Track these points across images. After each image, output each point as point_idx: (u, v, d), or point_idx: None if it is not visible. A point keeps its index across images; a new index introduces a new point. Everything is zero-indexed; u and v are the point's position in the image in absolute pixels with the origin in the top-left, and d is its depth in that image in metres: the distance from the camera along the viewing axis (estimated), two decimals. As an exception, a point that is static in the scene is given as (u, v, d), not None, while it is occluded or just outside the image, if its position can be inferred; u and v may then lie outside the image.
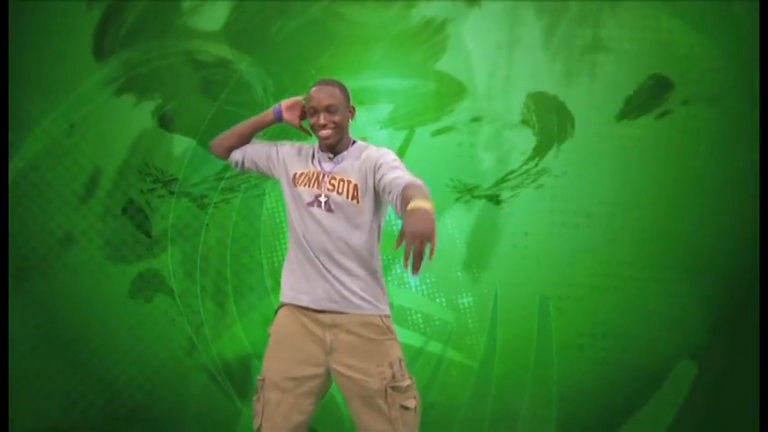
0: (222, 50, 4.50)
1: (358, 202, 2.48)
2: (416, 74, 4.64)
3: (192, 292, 4.52)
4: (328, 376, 2.51)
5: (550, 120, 4.61)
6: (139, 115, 4.58)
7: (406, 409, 2.45)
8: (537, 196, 4.63)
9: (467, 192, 4.60)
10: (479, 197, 4.64)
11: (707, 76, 4.48)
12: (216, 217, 4.63)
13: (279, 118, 2.67)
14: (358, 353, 2.46)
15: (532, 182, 4.61)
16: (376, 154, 2.50)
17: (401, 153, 4.50)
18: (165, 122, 4.55)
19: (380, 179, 2.38)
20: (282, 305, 2.58)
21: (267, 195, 4.61)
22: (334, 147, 2.56)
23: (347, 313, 2.47)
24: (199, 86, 4.54)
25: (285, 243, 3.53)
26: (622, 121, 4.57)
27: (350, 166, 2.52)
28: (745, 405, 4.17)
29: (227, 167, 4.42)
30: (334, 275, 2.48)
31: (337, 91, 2.56)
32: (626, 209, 4.58)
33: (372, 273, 2.50)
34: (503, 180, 4.62)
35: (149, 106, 4.61)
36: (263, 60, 4.56)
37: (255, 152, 2.69)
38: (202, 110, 4.52)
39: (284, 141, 2.73)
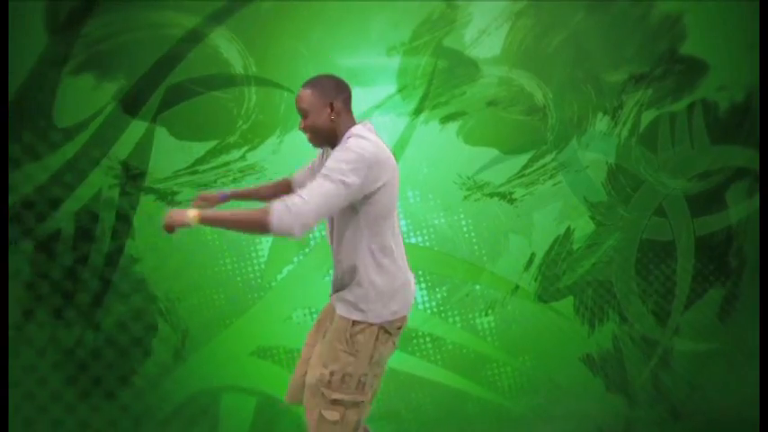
0: (196, 23, 4.05)
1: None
2: (422, 51, 4.26)
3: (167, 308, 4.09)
4: None
5: (569, 108, 4.44)
6: (99, 98, 4.01)
7: (323, 419, 2.44)
8: (554, 194, 4.45)
9: (476, 189, 4.35)
10: (491, 195, 4.38)
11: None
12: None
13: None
14: (324, 341, 2.51)
15: (549, 178, 4.44)
16: (335, 150, 2.42)
17: (404, 142, 4.26)
18: (129, 107, 4.03)
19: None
20: None
21: None
22: (323, 146, 2.58)
23: (335, 304, 2.53)
24: (169, 65, 4.04)
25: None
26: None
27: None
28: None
29: (201, 159, 4.09)
30: (335, 268, 2.54)
31: (308, 92, 2.48)
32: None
33: (354, 270, 2.45)
34: (515, 176, 4.41)
35: (111, 88, 4.05)
36: (244, 35, 4.13)
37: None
38: (172, 93, 4.05)
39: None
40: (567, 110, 4.44)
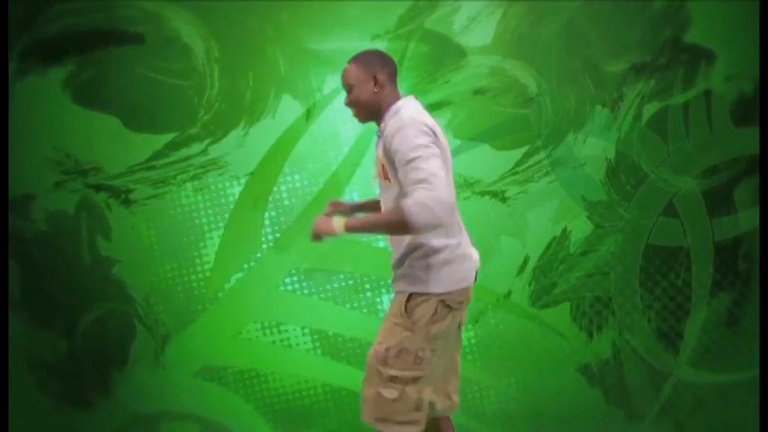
0: (152, 4, 3.96)
1: (390, 180, 2.51)
2: (403, 34, 4.18)
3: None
4: None
5: (566, 100, 4.32)
6: (47, 87, 3.94)
7: (381, 397, 2.47)
8: (550, 193, 4.33)
9: (466, 187, 4.27)
10: (481, 194, 4.29)
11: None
12: (145, 216, 4.10)
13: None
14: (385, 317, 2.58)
15: (544, 175, 4.32)
16: (392, 130, 2.46)
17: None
18: (79, 96, 3.96)
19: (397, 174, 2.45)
20: None
21: (210, 188, 4.11)
22: (368, 121, 2.65)
23: (394, 284, 2.60)
24: (122, 50, 3.98)
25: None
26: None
27: (381, 142, 2.55)
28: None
29: (159, 153, 4.02)
30: (394, 247, 2.61)
31: (352, 66, 2.59)
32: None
33: (412, 249, 2.52)
34: (508, 173, 4.31)
35: (59, 75, 3.97)
36: (205, 16, 4.03)
37: None
38: (127, 80, 3.98)
39: None
40: (563, 102, 4.33)
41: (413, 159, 2.37)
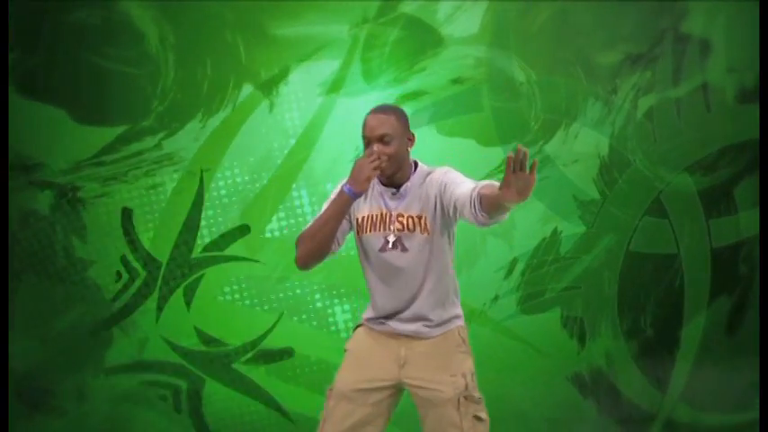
0: None
1: (429, 233, 2.56)
2: (375, 16, 4.16)
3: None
4: (398, 392, 2.69)
5: (556, 93, 4.33)
6: None
7: (480, 419, 2.55)
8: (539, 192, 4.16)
9: None
10: None
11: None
12: (92, 215, 4.12)
13: (355, 194, 2.55)
14: (433, 363, 2.61)
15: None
16: (439, 176, 2.58)
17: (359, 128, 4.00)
18: (22, 86, 3.97)
19: (450, 200, 2.50)
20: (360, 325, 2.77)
21: (164, 186, 4.13)
22: (393, 177, 2.61)
23: (425, 339, 2.64)
24: (69, 35, 3.98)
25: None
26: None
27: (414, 198, 2.60)
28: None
29: (109, 148, 4.01)
30: (416, 299, 2.62)
31: (393, 118, 2.59)
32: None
33: (446, 292, 2.65)
34: (496, 170, 4.22)
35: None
36: None
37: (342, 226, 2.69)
38: (74, 68, 3.98)
39: None
40: (553, 95, 4.32)
41: (466, 179, 2.51)
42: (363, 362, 2.66)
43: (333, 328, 4.21)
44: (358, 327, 2.75)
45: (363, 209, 2.64)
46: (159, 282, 4.16)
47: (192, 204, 4.15)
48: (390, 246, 2.57)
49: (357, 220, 2.64)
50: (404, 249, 2.57)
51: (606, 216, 4.39)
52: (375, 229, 2.61)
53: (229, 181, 4.13)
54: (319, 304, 4.20)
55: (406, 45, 4.21)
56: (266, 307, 4.18)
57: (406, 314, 2.62)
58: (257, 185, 4.16)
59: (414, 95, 4.19)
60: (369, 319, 2.68)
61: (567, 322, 4.35)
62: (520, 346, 4.30)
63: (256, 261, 4.16)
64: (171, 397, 4.19)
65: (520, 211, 4.14)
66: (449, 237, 2.63)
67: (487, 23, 4.20)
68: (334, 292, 4.22)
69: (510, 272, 4.31)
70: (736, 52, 4.34)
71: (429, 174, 2.61)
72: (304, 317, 4.19)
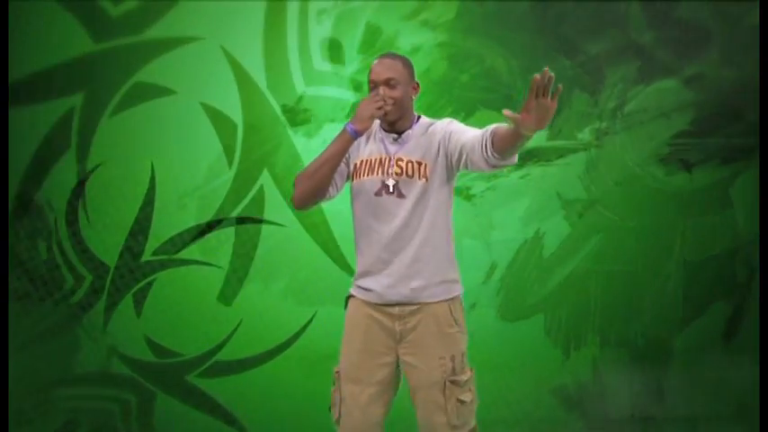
0: None
1: (427, 180, 2.62)
2: (355, 8, 4.18)
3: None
4: (398, 366, 2.74)
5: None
6: None
7: (462, 402, 2.64)
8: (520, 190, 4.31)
9: None
10: None
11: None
12: None
13: (356, 132, 2.62)
14: (425, 342, 2.67)
15: (515, 170, 4.25)
16: (442, 126, 2.68)
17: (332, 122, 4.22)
18: None
19: (456, 146, 2.57)
20: (351, 296, 2.79)
21: (113, 182, 4.07)
22: (396, 124, 2.68)
23: (418, 304, 2.68)
24: None
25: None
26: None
27: (415, 145, 2.67)
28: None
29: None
30: (415, 254, 2.65)
31: (399, 64, 2.68)
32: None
33: (443, 249, 2.67)
34: None
35: None
36: None
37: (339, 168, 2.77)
38: None
39: None
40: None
41: (470, 128, 2.61)
42: (364, 342, 2.70)
43: (295, 335, 4.15)
44: (348, 298, 2.79)
45: (363, 153, 2.69)
46: (107, 287, 4.05)
47: (142, 202, 4.07)
48: (390, 189, 2.61)
49: (355, 164, 2.68)
50: (400, 195, 2.62)
51: (593, 216, 4.36)
52: (372, 173, 2.66)
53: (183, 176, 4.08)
54: (281, 310, 4.15)
55: (381, 34, 4.14)
56: (223, 315, 4.12)
57: (397, 267, 2.63)
58: (215, 182, 4.11)
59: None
60: (359, 287, 2.71)
61: (551, 330, 4.29)
62: (501, 357, 4.20)
63: (213, 265, 4.06)
64: (119, 413, 4.08)
65: (498, 211, 4.26)
66: (448, 191, 2.69)
67: (465, 9, 4.17)
68: (298, 298, 4.17)
69: (489, 276, 4.26)
70: (733, 41, 4.31)
71: (431, 125, 2.69)
72: (264, 325, 4.13)
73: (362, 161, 2.71)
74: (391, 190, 2.64)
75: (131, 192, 4.13)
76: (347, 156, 2.72)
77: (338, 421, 2.75)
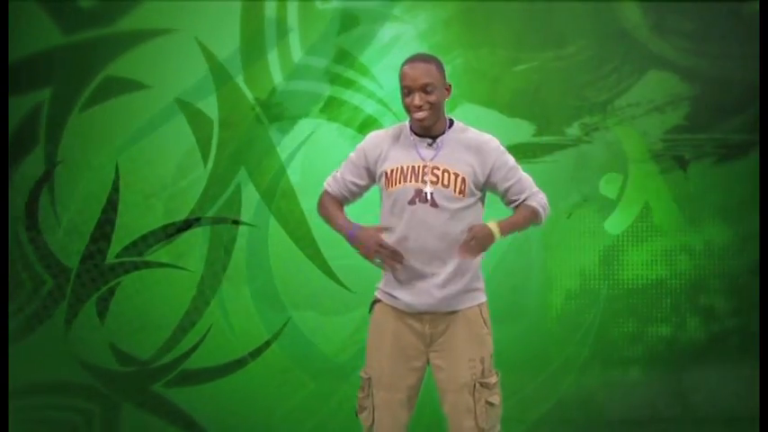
0: None
1: (464, 196, 2.65)
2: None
3: None
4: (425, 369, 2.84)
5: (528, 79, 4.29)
6: None
7: (492, 405, 2.70)
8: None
9: None
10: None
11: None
12: None
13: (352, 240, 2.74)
14: (455, 345, 2.72)
15: None
16: (487, 147, 2.71)
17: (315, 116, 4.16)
18: None
19: (502, 185, 2.71)
20: (378, 301, 2.83)
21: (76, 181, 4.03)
22: (430, 129, 2.69)
23: (447, 312, 2.75)
24: None
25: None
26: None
27: (452, 153, 2.69)
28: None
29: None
30: (445, 266, 2.69)
31: (433, 68, 2.67)
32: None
33: (472, 263, 2.72)
34: None
35: None
36: None
37: (352, 186, 2.80)
38: None
39: (365, 141, 2.85)
40: (524, 82, 4.26)
41: (518, 168, 2.75)
42: (394, 347, 2.73)
43: (266, 342, 4.07)
44: (375, 303, 2.80)
45: (393, 160, 2.69)
46: (68, 291, 3.99)
47: (105, 202, 4.00)
48: (425, 197, 2.61)
49: (386, 173, 2.67)
50: (434, 205, 2.62)
51: (586, 219, 4.28)
52: (405, 180, 2.65)
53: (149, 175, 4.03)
54: (252, 316, 4.08)
55: (361, 30, 4.11)
56: (191, 321, 4.03)
57: (429, 279, 2.65)
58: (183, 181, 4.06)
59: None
60: (388, 293, 2.72)
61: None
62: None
63: (180, 268, 3.99)
64: (82, 424, 4.02)
65: (487, 210, 4.11)
66: (482, 205, 2.74)
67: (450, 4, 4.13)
68: (271, 302, 4.12)
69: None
70: (731, 33, 4.23)
71: (465, 130, 2.72)
72: (234, 331, 4.06)
73: (394, 170, 2.68)
74: (427, 198, 2.62)
75: (95, 192, 4.08)
76: (367, 164, 2.75)
77: (371, 428, 2.77)
